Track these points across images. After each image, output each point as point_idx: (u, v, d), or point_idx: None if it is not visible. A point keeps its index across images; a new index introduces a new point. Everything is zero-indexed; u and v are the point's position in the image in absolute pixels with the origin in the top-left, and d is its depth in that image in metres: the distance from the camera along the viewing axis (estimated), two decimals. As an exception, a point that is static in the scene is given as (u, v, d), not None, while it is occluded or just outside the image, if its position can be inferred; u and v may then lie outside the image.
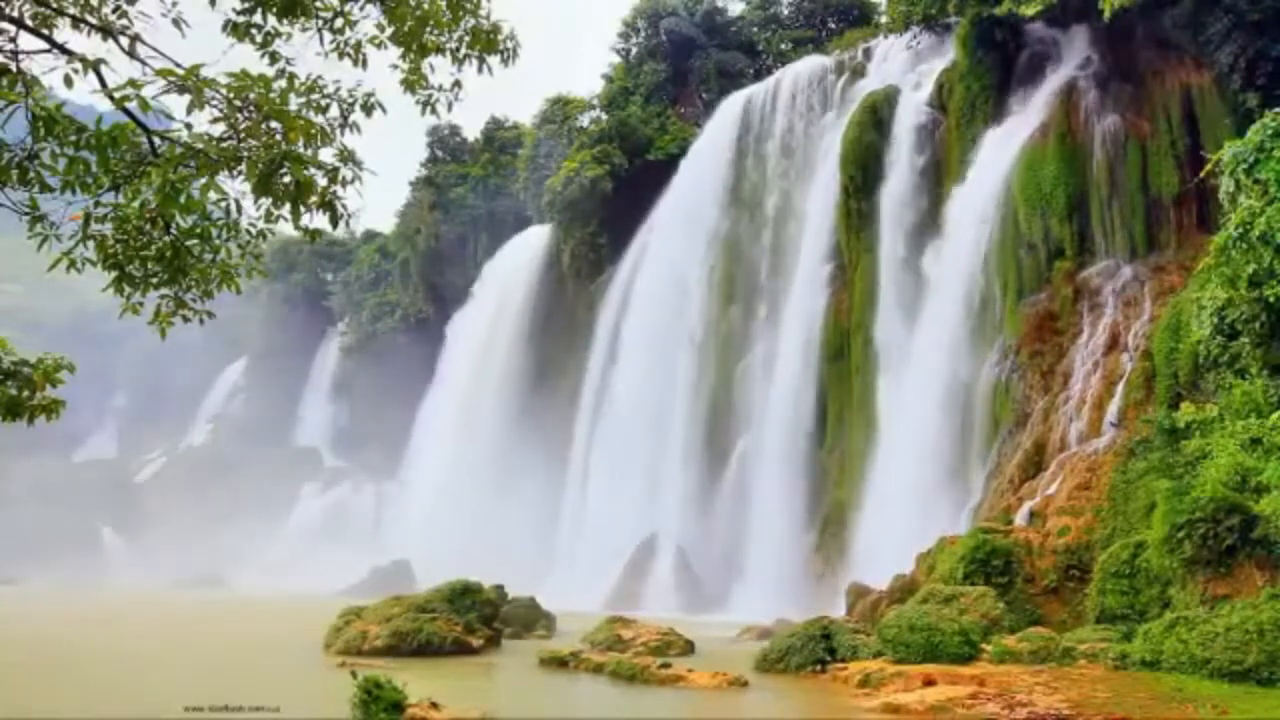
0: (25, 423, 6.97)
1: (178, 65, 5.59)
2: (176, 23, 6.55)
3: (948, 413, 30.91)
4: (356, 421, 71.31)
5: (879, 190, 36.35)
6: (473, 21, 7.42)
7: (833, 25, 55.09)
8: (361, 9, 7.25)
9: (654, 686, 17.57)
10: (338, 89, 6.71)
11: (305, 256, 79.79)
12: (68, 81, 5.57)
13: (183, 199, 5.71)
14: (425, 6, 7.24)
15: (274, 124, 5.81)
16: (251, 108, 5.76)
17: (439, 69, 7.48)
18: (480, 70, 7.57)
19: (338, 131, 6.58)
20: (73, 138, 5.56)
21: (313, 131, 6.01)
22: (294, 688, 17.88)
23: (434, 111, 7.53)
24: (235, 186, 5.90)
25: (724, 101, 48.74)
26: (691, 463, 41.00)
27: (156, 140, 5.99)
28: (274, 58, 6.96)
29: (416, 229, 68.84)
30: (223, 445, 76.59)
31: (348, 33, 7.26)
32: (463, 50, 7.46)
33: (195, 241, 6.36)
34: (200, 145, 5.81)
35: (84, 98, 5.78)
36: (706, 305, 43.98)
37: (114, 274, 6.44)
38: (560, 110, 59.11)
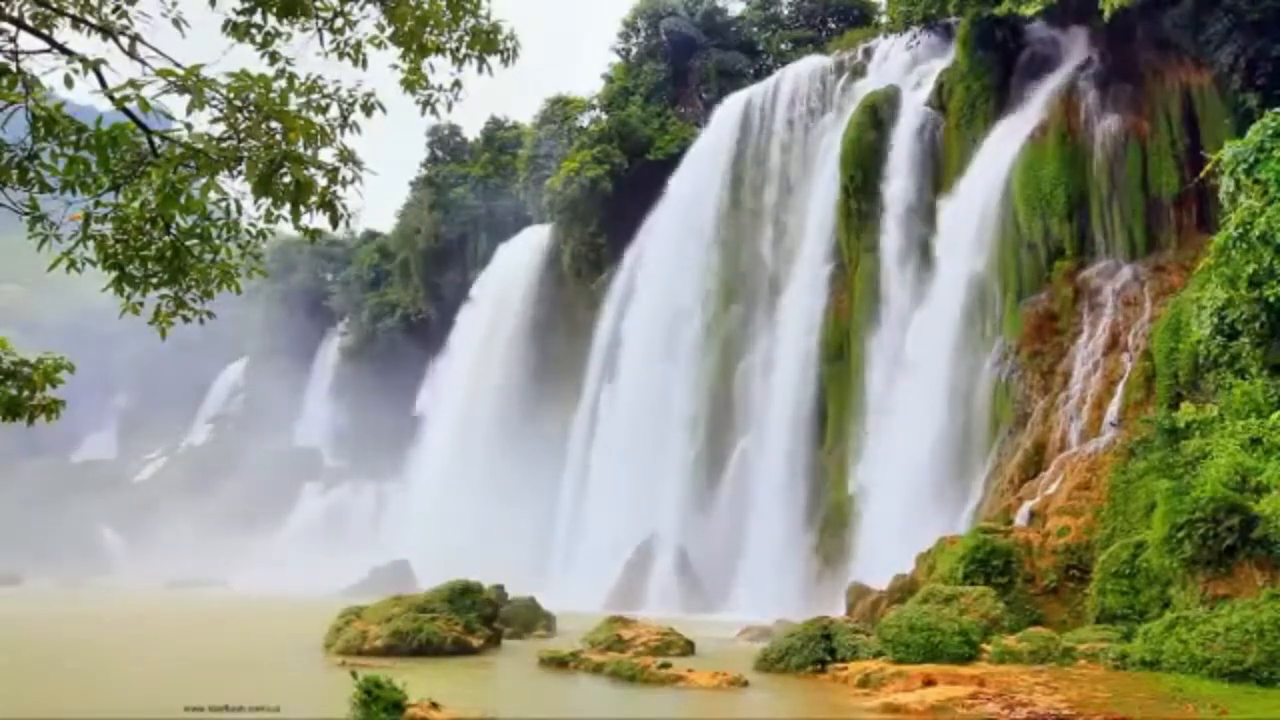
0: (25, 423, 6.96)
1: (178, 65, 5.58)
2: (176, 23, 6.54)
3: (948, 413, 30.90)
4: (356, 421, 71.23)
5: (879, 190, 36.33)
6: (473, 21, 7.41)
7: (833, 25, 55.07)
8: (361, 9, 7.25)
9: (654, 686, 17.57)
10: (338, 89, 6.71)
11: (305, 256, 79.69)
12: (68, 81, 5.56)
13: (183, 199, 5.71)
14: (425, 6, 7.23)
15: (274, 124, 5.80)
16: (251, 108, 5.76)
17: (439, 69, 7.47)
18: (480, 70, 7.56)
19: (338, 131, 6.57)
20: (73, 138, 5.55)
21: (313, 131, 6.01)
22: (294, 687, 17.89)
23: (434, 111, 7.52)
24: (235, 186, 5.91)
25: (724, 101, 48.70)
26: (691, 463, 40.97)
27: (156, 140, 5.99)
28: (274, 58, 6.95)
29: (416, 229, 68.82)
30: (223, 445, 76.57)
31: (348, 33, 7.25)
32: (463, 50, 7.46)
33: (195, 241, 6.35)
34: (200, 145, 5.81)
35: (84, 98, 5.77)
36: (706, 305, 43.94)
37: (114, 274, 6.44)
38: (560, 110, 59.09)
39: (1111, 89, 30.77)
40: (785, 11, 57.78)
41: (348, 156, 6.12)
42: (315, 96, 6.60)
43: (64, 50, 5.94)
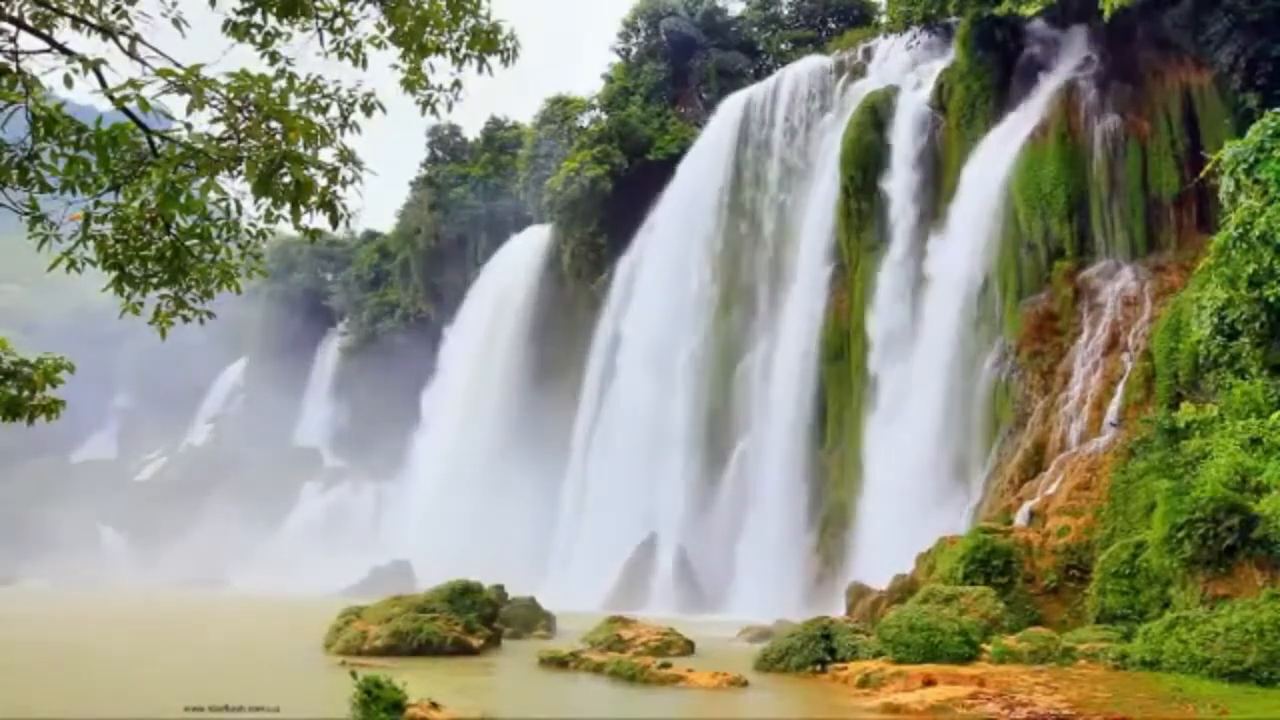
0: (25, 423, 6.96)
1: (178, 65, 5.58)
2: (176, 23, 6.54)
3: (948, 413, 30.92)
4: (356, 421, 71.22)
5: (879, 190, 36.35)
6: (473, 21, 7.40)
7: (833, 25, 55.08)
8: (361, 9, 7.24)
9: (654, 686, 17.57)
10: (338, 89, 6.70)
11: (305, 256, 79.69)
12: (68, 81, 5.55)
13: (183, 199, 5.70)
14: (425, 6, 7.23)
15: (274, 124, 5.79)
16: (251, 108, 5.75)
17: (439, 69, 7.46)
18: (480, 70, 7.55)
19: (338, 131, 6.57)
20: (73, 138, 5.54)
21: (313, 131, 6.00)
22: (294, 688, 17.88)
23: (434, 111, 7.52)
24: (235, 186, 5.89)
25: (724, 101, 48.70)
26: (691, 463, 40.99)
27: (156, 140, 5.98)
28: (274, 58, 6.94)
29: (416, 229, 68.82)
30: (223, 445, 76.53)
31: (348, 33, 7.24)
32: (463, 50, 7.45)
33: (195, 241, 6.34)
34: (200, 145, 5.80)
35: (84, 98, 5.77)
36: (706, 306, 43.95)
37: (114, 274, 6.43)
38: (560, 110, 59.09)
39: (1111, 89, 30.77)
40: (785, 11, 57.79)
41: (348, 156, 6.12)
42: (315, 96, 6.60)
43: (64, 50, 5.94)
